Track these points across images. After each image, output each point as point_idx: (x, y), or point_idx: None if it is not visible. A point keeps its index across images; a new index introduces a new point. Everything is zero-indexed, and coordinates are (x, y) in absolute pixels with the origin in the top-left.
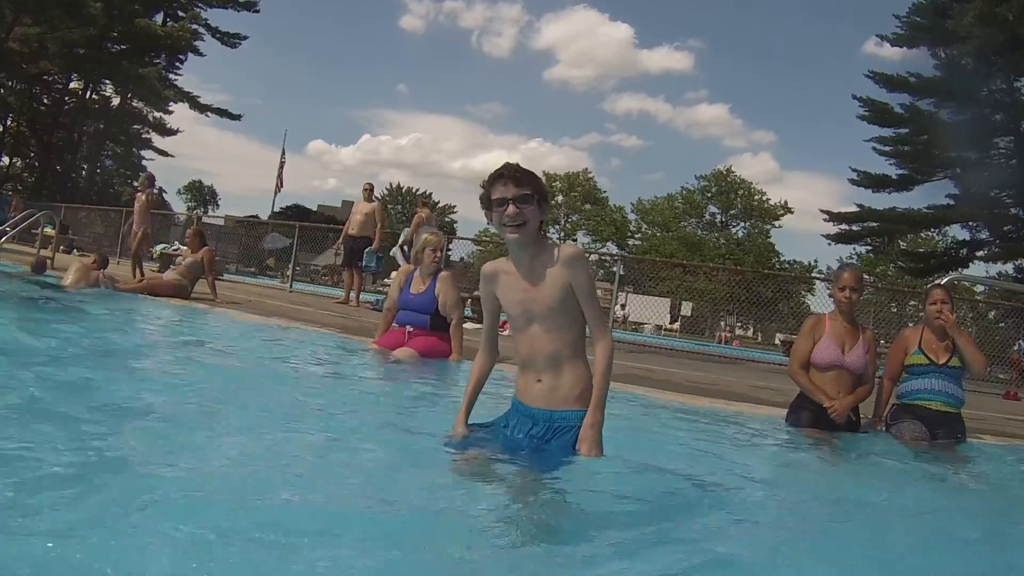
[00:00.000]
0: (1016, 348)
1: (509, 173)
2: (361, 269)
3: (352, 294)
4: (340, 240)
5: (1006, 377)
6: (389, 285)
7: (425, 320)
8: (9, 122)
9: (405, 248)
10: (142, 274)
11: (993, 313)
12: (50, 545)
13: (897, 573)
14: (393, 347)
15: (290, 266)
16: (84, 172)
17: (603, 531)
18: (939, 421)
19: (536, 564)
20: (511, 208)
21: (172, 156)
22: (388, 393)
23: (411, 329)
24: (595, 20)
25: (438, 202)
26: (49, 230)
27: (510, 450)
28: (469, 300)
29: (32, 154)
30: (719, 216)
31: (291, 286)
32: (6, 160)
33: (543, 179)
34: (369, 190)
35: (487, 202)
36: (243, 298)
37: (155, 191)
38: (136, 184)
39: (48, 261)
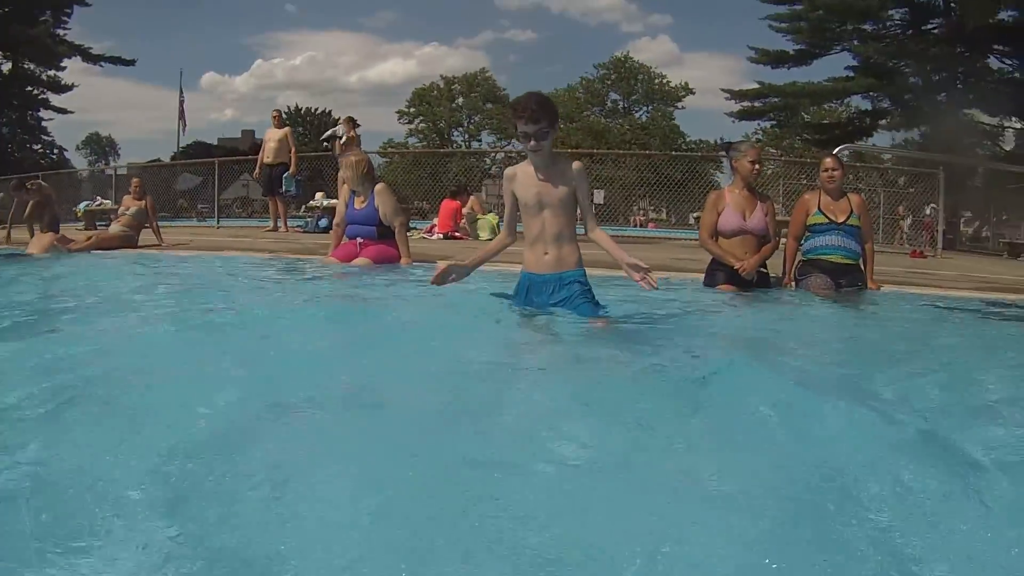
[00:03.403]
0: (928, 212)
1: (528, 114)
2: (282, 195)
3: (280, 222)
4: (257, 170)
5: (919, 239)
6: (313, 207)
7: (372, 231)
8: None
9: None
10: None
11: (903, 180)
12: None
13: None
14: (349, 258)
15: (214, 204)
16: None
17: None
18: (841, 272)
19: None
20: (533, 142)
21: (72, 112)
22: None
23: (361, 240)
24: None
25: (338, 118)
26: None
27: (538, 306)
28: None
29: None
30: (621, 103)
31: (218, 222)
32: None
33: (551, 105)
34: (277, 116)
35: (512, 123)
36: (184, 239)
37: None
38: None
39: None
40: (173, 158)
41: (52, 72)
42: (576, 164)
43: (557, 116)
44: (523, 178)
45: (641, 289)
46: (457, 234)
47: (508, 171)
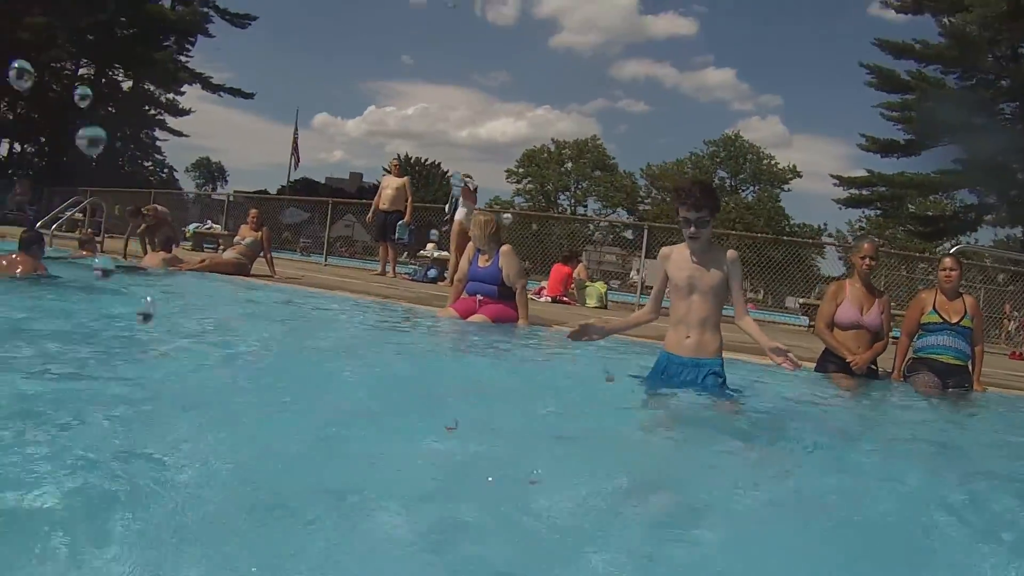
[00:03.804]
0: None
1: (692, 201)
2: (394, 242)
3: (388, 267)
4: (371, 214)
5: (1019, 339)
6: (423, 256)
7: (493, 290)
8: (19, 110)
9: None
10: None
11: (1002, 277)
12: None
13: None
14: (466, 314)
15: (323, 242)
16: (96, 156)
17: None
18: (950, 372)
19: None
20: (693, 229)
21: (187, 136)
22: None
23: (481, 298)
24: None
25: (447, 171)
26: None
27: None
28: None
29: (43, 140)
30: (728, 180)
31: (326, 260)
32: (16, 147)
33: (715, 193)
34: (397, 165)
35: (674, 207)
36: (295, 274)
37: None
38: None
39: (96, 240)
40: (280, 191)
41: (171, 95)
42: (731, 253)
43: (719, 205)
44: (678, 259)
45: (777, 373)
46: (565, 299)
47: (664, 250)
